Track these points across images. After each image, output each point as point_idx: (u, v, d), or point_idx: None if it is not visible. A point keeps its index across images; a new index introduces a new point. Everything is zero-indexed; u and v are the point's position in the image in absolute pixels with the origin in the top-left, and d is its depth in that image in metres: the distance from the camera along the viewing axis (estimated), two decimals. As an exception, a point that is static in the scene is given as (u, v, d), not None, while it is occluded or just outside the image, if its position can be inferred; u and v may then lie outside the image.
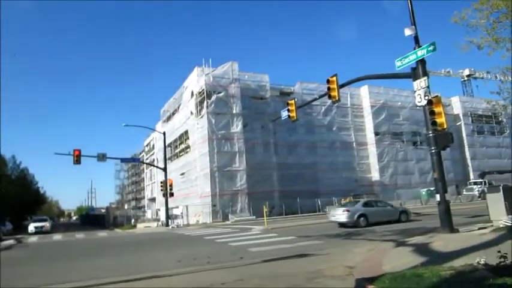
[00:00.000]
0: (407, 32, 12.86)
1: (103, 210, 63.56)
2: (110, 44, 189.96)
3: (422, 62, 12.65)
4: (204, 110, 36.19)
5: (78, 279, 8.45)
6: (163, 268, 9.41)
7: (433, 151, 12.45)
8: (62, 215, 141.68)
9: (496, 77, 19.23)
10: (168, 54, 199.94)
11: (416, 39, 12.87)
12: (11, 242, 23.94)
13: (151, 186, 67.27)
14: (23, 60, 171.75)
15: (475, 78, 61.23)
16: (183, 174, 42.33)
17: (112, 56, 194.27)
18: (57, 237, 28.01)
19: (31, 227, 34.36)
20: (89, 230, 37.28)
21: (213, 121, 35.71)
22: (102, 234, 28.76)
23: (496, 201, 12.34)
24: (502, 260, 5.36)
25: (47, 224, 35.48)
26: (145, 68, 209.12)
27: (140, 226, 34.28)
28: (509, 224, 11.16)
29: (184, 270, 8.92)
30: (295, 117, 20.47)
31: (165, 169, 35.00)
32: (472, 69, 60.97)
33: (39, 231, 33.48)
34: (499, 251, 5.47)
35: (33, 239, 26.92)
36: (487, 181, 41.73)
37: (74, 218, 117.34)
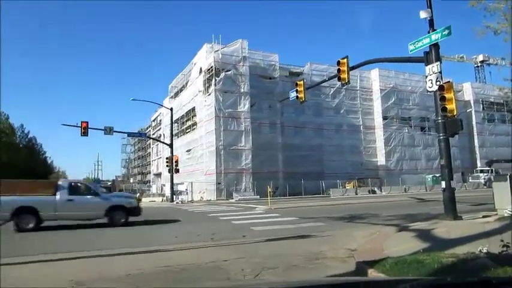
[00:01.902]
0: (423, 14, 12.52)
1: (109, 183, 64.46)
2: (118, 18, 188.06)
3: (435, 46, 12.35)
4: (212, 88, 36.02)
5: (84, 249, 8.62)
6: (168, 243, 9.55)
7: (441, 137, 12.33)
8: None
9: (511, 63, 18.78)
10: (178, 29, 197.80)
11: (431, 23, 12.54)
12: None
13: (157, 162, 67.81)
14: (31, 31, 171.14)
15: (489, 64, 59.92)
16: (189, 151, 42.56)
17: (121, 30, 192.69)
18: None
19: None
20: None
21: (221, 99, 35.58)
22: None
23: (502, 190, 12.23)
24: (505, 249, 5.33)
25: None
26: (155, 42, 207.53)
27: (145, 200, 34.75)
28: (514, 214, 11.10)
29: (188, 246, 9.05)
30: (303, 99, 20.27)
31: (171, 145, 35.18)
32: (486, 55, 59.61)
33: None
34: (502, 240, 5.44)
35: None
36: (494, 169, 41.49)
37: None
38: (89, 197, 13.75)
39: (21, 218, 12.56)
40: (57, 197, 13.19)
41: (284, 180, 37.24)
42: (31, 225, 12.53)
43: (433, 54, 12.38)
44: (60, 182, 14.48)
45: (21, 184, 14.07)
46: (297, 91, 20.33)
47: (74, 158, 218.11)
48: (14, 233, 12.05)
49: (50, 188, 13.67)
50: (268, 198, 23.38)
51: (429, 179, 41.64)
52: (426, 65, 12.53)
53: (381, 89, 45.85)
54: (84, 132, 28.86)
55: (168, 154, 35.86)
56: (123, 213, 13.79)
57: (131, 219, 13.85)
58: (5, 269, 6.59)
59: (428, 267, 5.23)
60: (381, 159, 45.59)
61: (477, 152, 51.75)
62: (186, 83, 46.01)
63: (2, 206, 12.23)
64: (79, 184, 15.11)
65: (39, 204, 12.79)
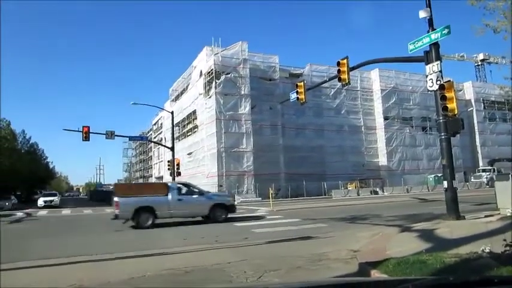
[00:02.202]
0: (422, 14, 12.53)
1: (111, 187, 64.41)
2: (119, 21, 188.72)
3: (435, 45, 12.35)
4: (213, 90, 36.05)
5: (86, 254, 8.62)
6: (171, 245, 9.55)
7: (443, 137, 12.31)
8: (71, 190, 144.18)
9: (511, 62, 18.76)
10: (178, 33, 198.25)
11: (430, 22, 12.54)
12: (20, 214, 24.50)
13: (159, 165, 67.81)
14: (32, 35, 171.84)
15: (489, 63, 59.79)
16: (190, 154, 42.57)
17: (122, 34, 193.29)
18: (65, 211, 28.57)
19: (40, 201, 35.30)
20: (96, 206, 37.88)
21: (221, 101, 35.61)
22: (110, 210, 29.13)
23: (504, 190, 12.20)
24: (508, 248, 5.32)
25: (56, 199, 36.35)
26: (155, 46, 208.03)
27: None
28: (517, 213, 11.07)
29: (191, 249, 9.05)
30: (303, 100, 20.26)
31: (172, 148, 35.17)
32: (487, 54, 59.47)
33: (48, 206, 34.26)
34: (504, 240, 5.43)
35: (43, 212, 27.48)
36: (496, 168, 41.36)
37: (77, 193, 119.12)
38: (195, 196, 15.42)
39: (141, 216, 14.00)
40: (169, 197, 14.72)
41: (286, 182, 37.21)
42: (149, 223, 14.01)
43: (433, 53, 12.38)
44: (170, 184, 16.25)
45: (139, 187, 16.35)
46: (297, 92, 20.32)
47: (76, 163, 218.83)
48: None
49: (163, 189, 15.16)
50: (270, 200, 23.37)
51: (431, 179, 41.53)
52: (426, 64, 12.52)
53: (381, 89, 45.79)
54: (86, 137, 28.82)
55: (170, 157, 35.85)
56: (224, 211, 15.40)
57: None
58: (11, 273, 6.61)
59: (431, 267, 5.23)
60: (382, 160, 45.50)
61: (479, 151, 51.57)
62: (187, 86, 46.09)
63: (126, 206, 13.88)
64: (186, 185, 16.60)
65: (155, 204, 14.33)
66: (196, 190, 16.04)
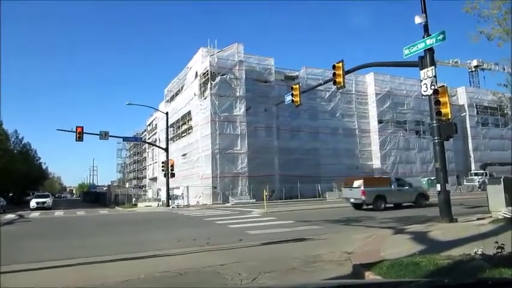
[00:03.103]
0: (418, 19, 12.66)
1: (104, 188, 64.05)
2: (114, 21, 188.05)
3: (430, 51, 12.49)
4: (208, 92, 36.02)
5: (79, 256, 8.58)
6: (164, 248, 9.52)
7: (436, 141, 12.43)
8: (64, 190, 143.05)
9: (504, 69, 19.02)
10: (174, 33, 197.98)
11: (425, 28, 12.69)
12: (12, 216, 24.26)
13: (153, 166, 67.52)
14: (25, 35, 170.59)
15: (483, 69, 60.40)
16: (184, 155, 42.45)
17: (116, 34, 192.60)
18: (58, 213, 28.33)
19: (33, 203, 34.76)
20: (89, 207, 37.67)
21: (216, 103, 35.59)
22: (103, 212, 29.06)
23: (496, 193, 12.34)
24: (499, 250, 5.40)
25: (48, 200, 35.91)
26: (150, 47, 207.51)
27: (141, 205, 34.57)
28: (508, 216, 11.19)
29: (184, 251, 9.03)
30: (298, 102, 20.32)
31: (166, 149, 35.11)
32: (480, 60, 60.10)
33: (40, 207, 33.82)
34: (496, 242, 5.50)
35: (35, 214, 27.20)
36: (488, 172, 41.73)
37: (66, 195, 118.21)
38: (406, 187, 21.01)
39: (378, 202, 19.06)
40: (392, 187, 20.30)
41: (280, 184, 37.23)
42: (382, 206, 19.04)
43: (427, 58, 12.51)
44: (392, 178, 22.82)
45: (374, 180, 22.62)
46: (292, 95, 20.37)
47: (69, 163, 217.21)
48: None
49: (388, 182, 20.90)
50: (265, 201, 23.37)
51: (424, 182, 41.70)
52: (421, 70, 12.65)
53: (376, 93, 46.06)
54: (79, 137, 28.66)
55: (164, 158, 35.74)
56: (423, 198, 20.41)
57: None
58: (4, 276, 6.55)
59: (424, 269, 5.28)
60: (376, 163, 45.71)
61: (471, 155, 52.06)
62: (182, 87, 45.97)
63: (370, 194, 18.96)
64: (399, 179, 22.76)
65: (386, 193, 19.65)
66: (407, 182, 21.99)
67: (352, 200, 20.14)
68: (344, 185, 22.74)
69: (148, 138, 69.32)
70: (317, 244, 9.36)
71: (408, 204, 20.18)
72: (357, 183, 20.25)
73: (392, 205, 19.90)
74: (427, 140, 44.07)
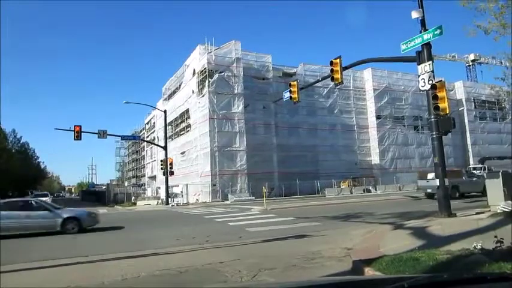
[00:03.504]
0: (414, 14, 12.64)
1: (103, 187, 63.99)
2: (111, 20, 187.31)
3: (427, 45, 12.47)
4: (206, 89, 35.97)
5: (79, 255, 8.57)
6: (164, 246, 9.51)
7: (435, 136, 12.44)
8: (63, 190, 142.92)
9: (501, 62, 19.02)
10: (171, 31, 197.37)
11: (422, 23, 12.66)
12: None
13: (152, 164, 67.45)
14: (24, 33, 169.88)
15: (480, 63, 60.33)
16: (183, 153, 42.43)
17: (114, 32, 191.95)
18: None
19: (31, 202, 34.65)
20: (89, 206, 37.59)
21: (215, 100, 35.55)
22: (103, 210, 29.01)
23: (494, 187, 12.39)
24: (499, 245, 5.40)
25: (47, 200, 35.77)
26: (148, 45, 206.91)
27: (140, 204, 34.57)
28: (507, 210, 11.22)
29: (184, 249, 9.03)
30: (297, 99, 20.29)
31: (165, 147, 35.05)
32: (477, 54, 60.03)
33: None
34: (495, 236, 5.51)
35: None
36: (486, 167, 41.78)
37: (68, 194, 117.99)
38: (475, 178, 23.20)
39: (452, 191, 19.09)
40: (463, 178, 22.82)
41: (279, 181, 37.29)
42: (457, 195, 20.62)
43: (425, 53, 12.49)
44: (463, 171, 25.36)
45: (449, 172, 21.62)
46: (290, 92, 20.34)
47: (68, 163, 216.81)
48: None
49: (460, 174, 23.42)
50: (264, 198, 23.40)
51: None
52: (418, 64, 12.63)
53: (374, 89, 46.08)
54: (78, 136, 28.58)
55: (163, 157, 35.71)
56: (456, 191, 21.38)
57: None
58: (4, 275, 6.54)
59: (424, 264, 5.28)
60: (375, 158, 45.81)
61: (470, 150, 52.18)
62: (180, 85, 45.88)
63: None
64: (472, 171, 25.96)
65: (459, 183, 21.70)
66: (476, 174, 24.20)
67: (428, 191, 21.22)
68: (419, 177, 26.02)
69: (147, 137, 69.24)
70: (317, 240, 9.36)
71: (475, 193, 21.58)
72: (431, 175, 21.33)
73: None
74: (425, 135, 44.18)
